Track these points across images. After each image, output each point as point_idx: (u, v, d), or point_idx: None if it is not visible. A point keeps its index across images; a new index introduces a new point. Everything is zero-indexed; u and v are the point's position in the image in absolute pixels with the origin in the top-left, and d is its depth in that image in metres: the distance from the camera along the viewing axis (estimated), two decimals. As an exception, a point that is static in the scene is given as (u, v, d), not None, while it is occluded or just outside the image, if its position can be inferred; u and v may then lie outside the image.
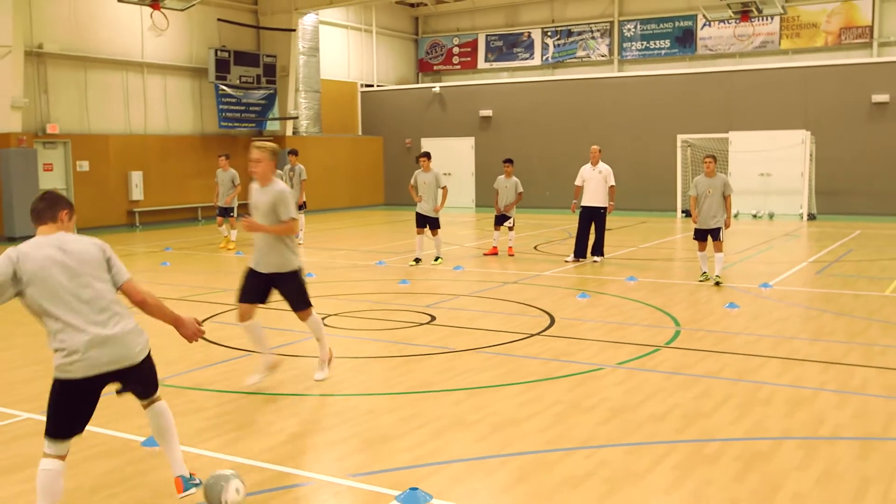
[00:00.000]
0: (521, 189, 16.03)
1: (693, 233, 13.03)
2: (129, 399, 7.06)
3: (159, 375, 4.96)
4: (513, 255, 16.19)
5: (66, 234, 4.58)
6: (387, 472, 5.41)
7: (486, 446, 5.87)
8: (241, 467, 5.49)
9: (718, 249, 12.55)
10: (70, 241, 4.52)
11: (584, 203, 15.20)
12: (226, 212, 17.65)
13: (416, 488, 5.00)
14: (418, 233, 15.28)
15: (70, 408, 4.55)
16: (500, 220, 16.21)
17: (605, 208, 15.12)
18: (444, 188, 15.05)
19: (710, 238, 12.62)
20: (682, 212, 24.88)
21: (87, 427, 6.34)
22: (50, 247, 4.44)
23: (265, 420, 6.52)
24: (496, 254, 16.31)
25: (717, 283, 12.49)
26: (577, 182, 15.31)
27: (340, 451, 5.87)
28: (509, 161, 16.39)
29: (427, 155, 15.35)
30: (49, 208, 4.57)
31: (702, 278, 12.85)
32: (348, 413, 6.71)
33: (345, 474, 5.40)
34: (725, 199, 12.55)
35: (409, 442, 5.97)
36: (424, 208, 15.04)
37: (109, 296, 4.55)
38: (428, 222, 15.11)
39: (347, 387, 7.52)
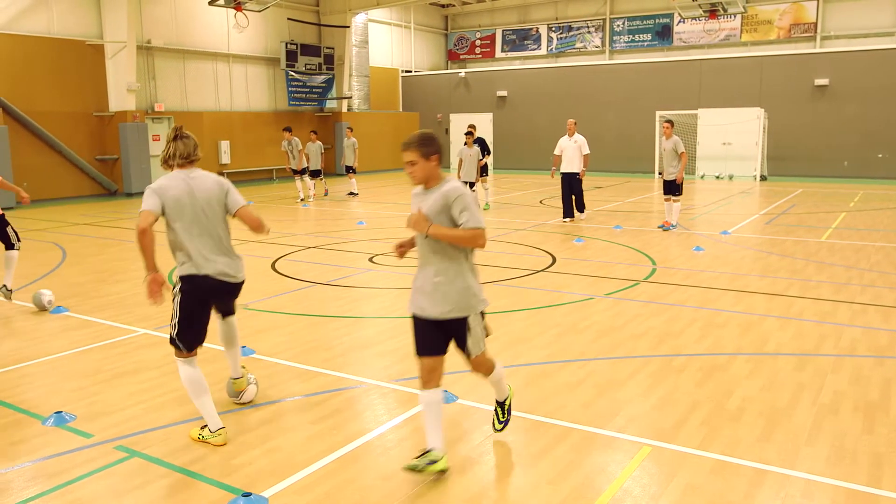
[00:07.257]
0: (480, 157, 14.99)
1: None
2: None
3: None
4: None
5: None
6: (422, 378, 5.45)
7: (501, 358, 5.88)
8: (307, 373, 5.58)
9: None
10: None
11: (563, 170, 14.17)
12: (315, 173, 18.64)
13: (446, 390, 5.06)
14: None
15: None
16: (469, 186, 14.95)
17: (578, 173, 14.14)
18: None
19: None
20: (658, 173, 24.52)
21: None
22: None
23: (326, 337, 6.59)
24: None
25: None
26: (556, 152, 14.29)
27: (386, 361, 5.92)
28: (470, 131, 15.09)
29: (471, 133, 14.90)
30: None
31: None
32: (392, 332, 6.75)
33: (389, 379, 5.46)
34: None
35: (440, 354, 6.00)
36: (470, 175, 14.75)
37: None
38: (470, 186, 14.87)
39: (392, 311, 7.57)
